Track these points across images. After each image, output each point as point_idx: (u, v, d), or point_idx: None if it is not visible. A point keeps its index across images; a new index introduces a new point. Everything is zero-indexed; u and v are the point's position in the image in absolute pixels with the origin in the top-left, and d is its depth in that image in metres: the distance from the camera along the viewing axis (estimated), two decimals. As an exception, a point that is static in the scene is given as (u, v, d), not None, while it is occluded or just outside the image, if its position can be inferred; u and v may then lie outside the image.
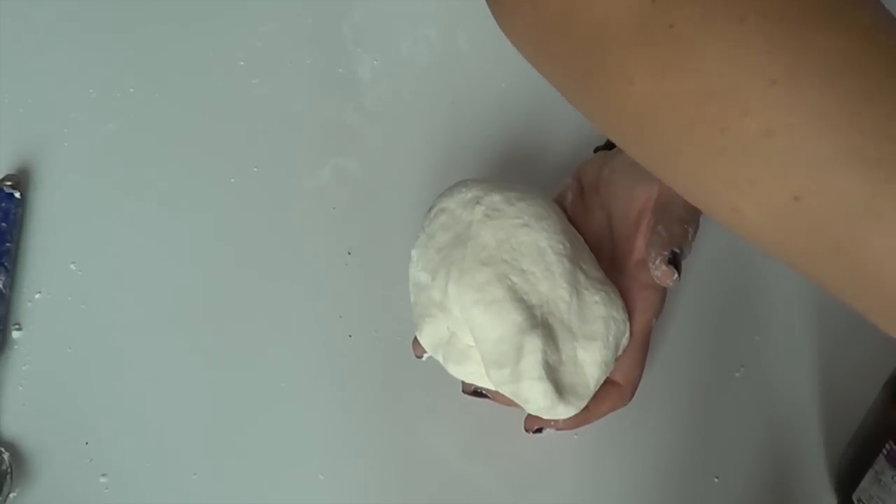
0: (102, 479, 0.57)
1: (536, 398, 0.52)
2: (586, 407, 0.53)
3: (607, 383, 0.55)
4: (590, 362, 0.53)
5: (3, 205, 0.65)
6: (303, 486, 0.57)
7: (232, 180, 0.68)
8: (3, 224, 0.64)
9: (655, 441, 0.59)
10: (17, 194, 0.65)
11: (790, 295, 0.65)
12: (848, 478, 0.56)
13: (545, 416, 0.53)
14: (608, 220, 0.59)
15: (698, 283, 0.65)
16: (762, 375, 0.62)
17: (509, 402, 0.54)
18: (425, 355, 0.56)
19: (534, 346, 0.52)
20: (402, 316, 0.63)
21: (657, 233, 0.55)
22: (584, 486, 0.58)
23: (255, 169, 0.68)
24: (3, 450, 0.57)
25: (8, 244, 0.63)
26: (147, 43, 0.73)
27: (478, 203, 0.55)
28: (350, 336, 0.62)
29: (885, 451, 0.51)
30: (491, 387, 0.54)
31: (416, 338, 0.56)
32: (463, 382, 0.56)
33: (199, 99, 0.71)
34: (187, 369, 0.61)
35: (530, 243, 0.54)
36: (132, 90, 0.71)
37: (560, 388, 0.52)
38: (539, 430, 0.55)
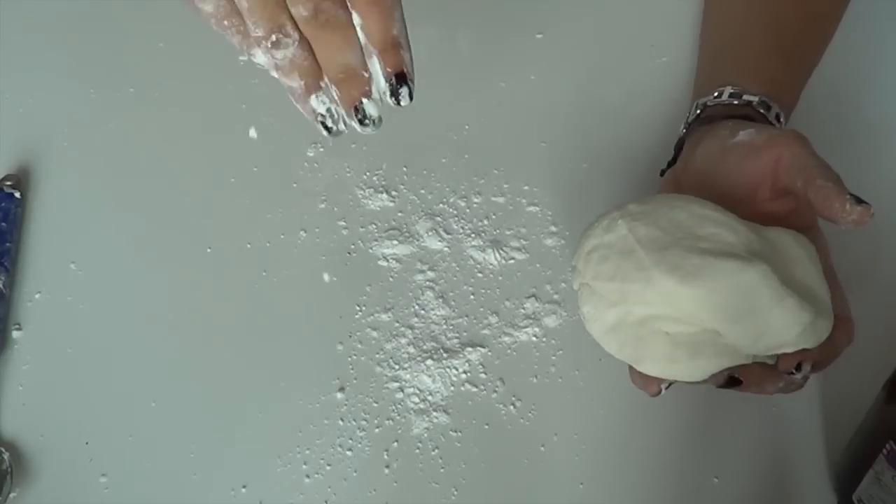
0: (102, 479, 0.57)
1: (795, 317, 0.49)
2: (831, 339, 0.51)
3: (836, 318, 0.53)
4: (811, 279, 0.52)
5: (3, 205, 0.65)
6: (303, 486, 0.57)
7: (232, 180, 0.68)
8: (3, 224, 0.64)
9: (655, 441, 0.59)
10: (17, 194, 0.65)
11: (790, 295, 0.65)
12: (848, 478, 0.56)
13: (807, 339, 0.50)
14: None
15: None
16: (762, 375, 0.62)
17: (761, 378, 0.52)
18: (663, 385, 0.53)
19: (760, 274, 0.49)
20: (402, 317, 0.63)
21: (823, 186, 0.54)
22: (585, 485, 0.58)
23: (255, 169, 0.68)
24: (3, 450, 0.57)
25: (8, 244, 0.63)
26: (147, 43, 0.73)
27: (617, 220, 0.53)
28: (350, 336, 0.62)
29: (885, 451, 0.51)
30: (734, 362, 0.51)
31: (638, 373, 0.52)
32: (714, 376, 0.52)
33: (199, 99, 0.71)
34: (187, 369, 0.61)
35: (688, 216, 0.52)
36: (132, 90, 0.71)
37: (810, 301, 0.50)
38: (798, 368, 0.52)
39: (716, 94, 0.63)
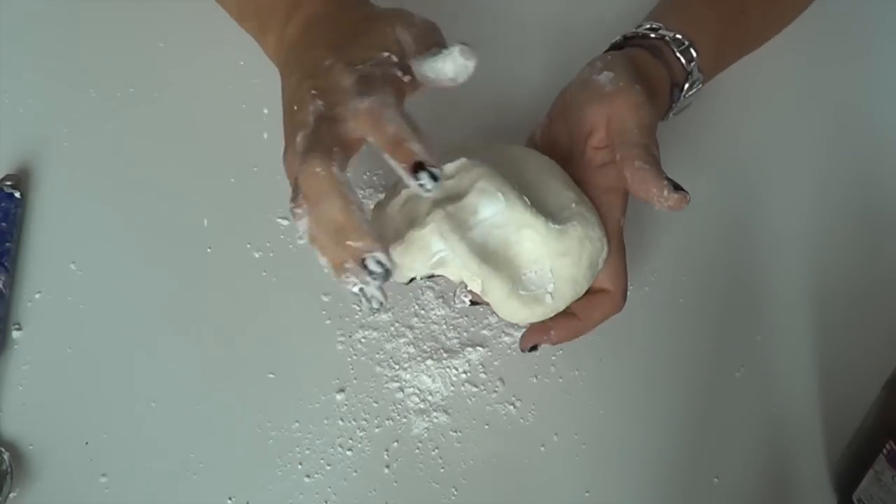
0: (102, 479, 0.57)
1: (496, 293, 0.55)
2: (576, 316, 0.57)
3: (597, 291, 0.58)
4: (561, 277, 0.55)
5: (3, 205, 0.65)
6: (303, 486, 0.57)
7: (232, 180, 0.68)
8: (3, 224, 0.64)
9: (655, 441, 0.59)
10: (17, 194, 0.65)
11: (790, 295, 0.65)
12: (848, 478, 0.56)
13: (508, 317, 0.56)
14: (570, 142, 0.61)
15: (698, 283, 0.65)
16: (762, 375, 0.62)
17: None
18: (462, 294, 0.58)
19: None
20: (402, 317, 0.63)
21: (640, 169, 0.56)
22: (585, 486, 0.58)
23: (255, 169, 0.68)
24: (3, 450, 0.57)
25: (8, 244, 0.63)
26: (147, 43, 0.73)
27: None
28: (350, 336, 0.62)
29: (885, 451, 0.51)
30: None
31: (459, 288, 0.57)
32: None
33: (199, 99, 0.71)
34: (187, 369, 0.61)
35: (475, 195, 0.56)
36: (132, 90, 0.71)
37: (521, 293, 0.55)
38: (534, 348, 0.59)
39: (638, 26, 0.65)
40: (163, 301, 0.63)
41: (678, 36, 0.63)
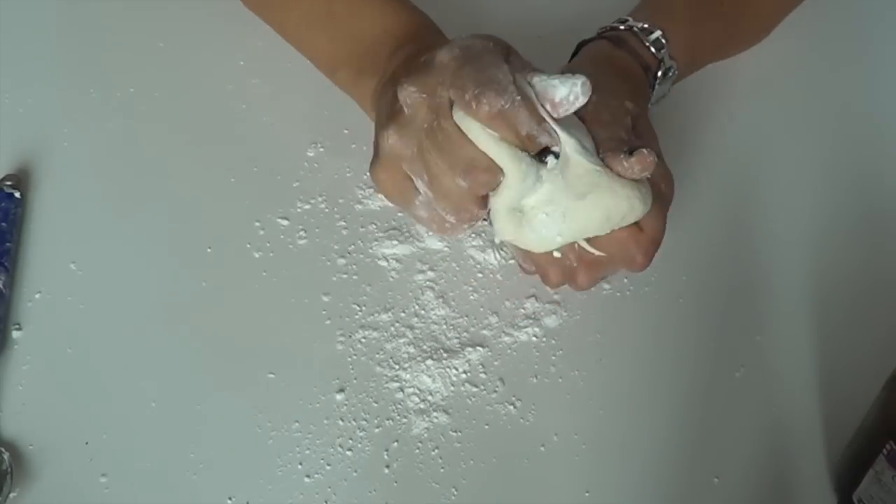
0: (102, 479, 0.57)
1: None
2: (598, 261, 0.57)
3: (631, 227, 0.56)
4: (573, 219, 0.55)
5: (3, 205, 0.65)
6: (303, 486, 0.57)
7: (232, 180, 0.68)
8: (3, 224, 0.64)
9: (655, 441, 0.59)
10: (17, 194, 0.65)
11: (790, 295, 0.65)
12: (848, 478, 0.56)
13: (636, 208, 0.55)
14: None
15: (698, 283, 0.65)
16: (762, 375, 0.62)
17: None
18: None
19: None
20: (402, 317, 0.63)
21: (595, 134, 0.56)
22: (585, 486, 0.58)
23: (255, 169, 0.68)
24: (3, 450, 0.57)
25: (8, 244, 0.63)
26: (147, 43, 0.73)
27: None
28: (350, 336, 0.62)
29: (885, 451, 0.51)
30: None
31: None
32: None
33: (199, 99, 0.71)
34: (187, 369, 0.61)
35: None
36: (132, 90, 0.71)
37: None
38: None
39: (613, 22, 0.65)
40: (163, 301, 0.63)
41: (645, 25, 0.64)
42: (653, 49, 0.64)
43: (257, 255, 0.65)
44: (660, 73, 0.65)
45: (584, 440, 0.59)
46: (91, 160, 0.69)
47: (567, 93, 0.54)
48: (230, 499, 0.57)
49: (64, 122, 0.70)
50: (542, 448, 0.59)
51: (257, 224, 0.66)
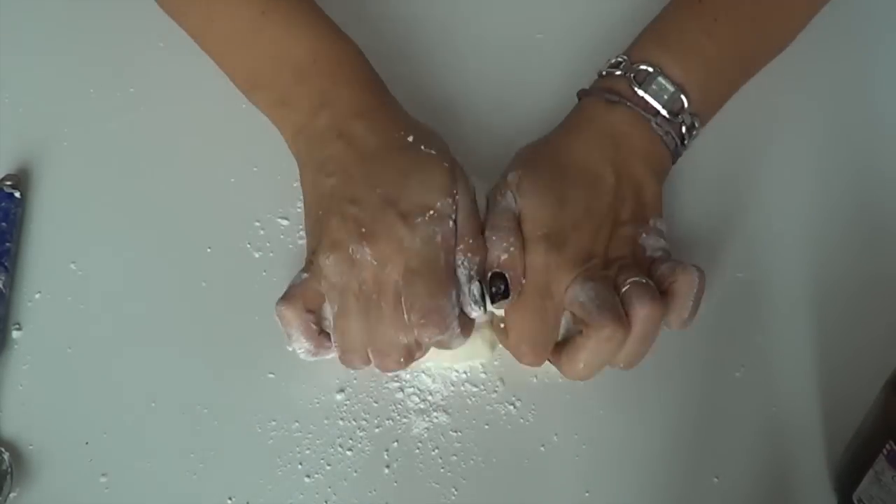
0: (102, 479, 0.57)
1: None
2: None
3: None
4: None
5: (3, 205, 0.65)
6: (303, 486, 0.57)
7: (232, 180, 0.68)
8: (3, 224, 0.64)
9: (655, 441, 0.59)
10: (17, 194, 0.65)
11: (791, 295, 0.65)
12: (848, 478, 0.56)
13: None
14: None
15: (698, 283, 0.65)
16: (762, 375, 0.62)
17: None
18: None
19: None
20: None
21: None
22: (585, 486, 0.58)
23: (255, 169, 0.68)
24: (3, 450, 0.57)
25: (8, 244, 0.63)
26: (147, 43, 0.73)
27: None
28: (350, 336, 0.62)
29: (885, 451, 0.51)
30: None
31: None
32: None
33: (200, 99, 0.71)
34: (187, 369, 0.61)
35: None
36: (132, 90, 0.71)
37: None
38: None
39: (617, 63, 0.64)
40: (163, 301, 0.63)
41: (663, 82, 0.62)
42: (668, 115, 0.61)
43: (257, 255, 0.65)
44: (684, 139, 0.63)
45: (584, 440, 0.59)
46: (91, 160, 0.69)
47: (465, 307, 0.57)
48: (230, 499, 0.57)
49: (64, 122, 0.70)
50: (542, 448, 0.59)
51: (257, 224, 0.66)
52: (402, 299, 0.55)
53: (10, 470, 0.56)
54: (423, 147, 0.59)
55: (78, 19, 0.74)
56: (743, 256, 0.66)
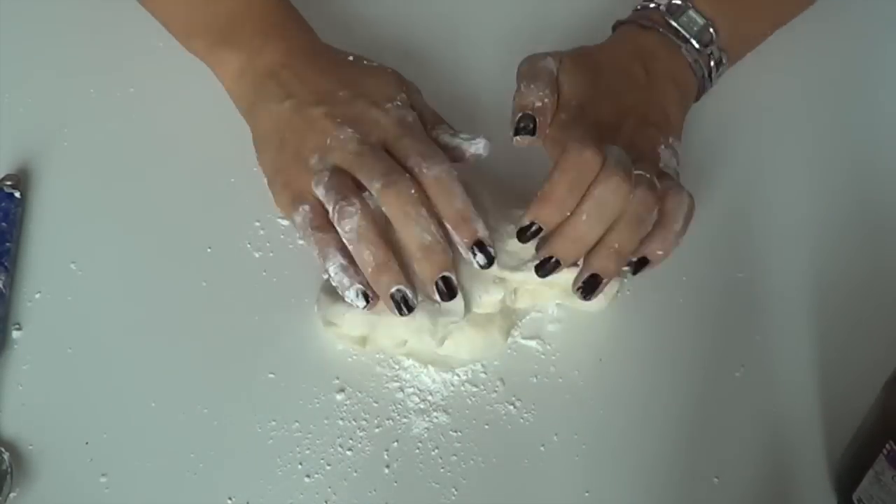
0: (102, 479, 0.57)
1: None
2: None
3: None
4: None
5: (3, 205, 0.65)
6: (303, 486, 0.57)
7: (232, 180, 0.68)
8: (3, 224, 0.64)
9: (655, 441, 0.59)
10: (17, 194, 0.65)
11: (790, 295, 0.65)
12: (848, 478, 0.56)
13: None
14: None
15: (698, 283, 0.65)
16: (762, 375, 0.62)
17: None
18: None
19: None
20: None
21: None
22: (585, 486, 0.58)
23: (256, 169, 0.68)
24: (3, 450, 0.57)
25: (8, 244, 0.63)
26: (147, 43, 0.73)
27: None
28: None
29: (885, 451, 0.51)
30: None
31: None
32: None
33: (200, 99, 0.71)
34: (187, 369, 0.61)
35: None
36: (132, 90, 0.71)
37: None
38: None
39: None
40: (163, 301, 0.63)
41: (694, 16, 0.65)
42: (698, 45, 0.65)
43: (257, 255, 0.65)
44: (712, 72, 0.66)
45: (584, 440, 0.59)
46: (91, 160, 0.69)
47: (474, 150, 0.60)
48: (230, 499, 0.57)
49: (64, 122, 0.70)
50: (542, 448, 0.59)
51: (257, 224, 0.66)
52: (393, 153, 0.58)
53: (10, 470, 0.56)
54: (364, 62, 0.64)
55: (78, 19, 0.74)
56: (743, 256, 0.66)
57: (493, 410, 0.60)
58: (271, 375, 0.61)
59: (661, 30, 0.65)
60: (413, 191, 0.56)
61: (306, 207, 0.59)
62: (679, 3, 0.65)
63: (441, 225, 0.57)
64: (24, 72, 0.72)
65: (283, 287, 0.64)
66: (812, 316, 0.64)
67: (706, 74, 0.66)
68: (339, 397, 0.60)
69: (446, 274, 0.56)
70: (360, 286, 0.57)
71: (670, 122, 0.63)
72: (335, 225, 0.57)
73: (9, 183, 0.66)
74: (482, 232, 0.56)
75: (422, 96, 0.63)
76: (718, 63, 0.66)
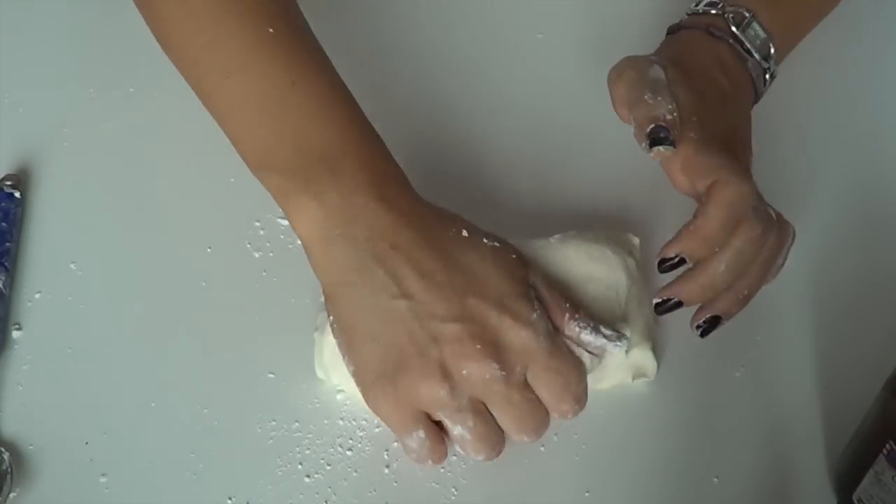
0: (102, 479, 0.57)
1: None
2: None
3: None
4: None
5: (3, 205, 0.65)
6: (303, 486, 0.57)
7: (232, 180, 0.68)
8: (3, 224, 0.64)
9: (655, 441, 0.59)
10: (17, 194, 0.65)
11: (790, 295, 0.65)
12: (848, 478, 0.56)
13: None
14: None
15: (698, 283, 0.65)
16: (762, 375, 0.62)
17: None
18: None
19: None
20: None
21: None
22: (585, 485, 0.58)
23: (255, 169, 0.68)
24: (3, 450, 0.57)
25: (8, 244, 0.63)
26: (147, 43, 0.73)
27: None
28: (350, 336, 0.62)
29: (885, 451, 0.51)
30: None
31: None
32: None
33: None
34: (187, 369, 0.61)
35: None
36: (132, 90, 0.71)
37: None
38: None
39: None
40: (163, 301, 0.63)
41: (761, 33, 0.63)
42: (759, 58, 0.63)
43: (257, 255, 0.65)
44: (766, 83, 0.64)
45: (584, 440, 0.59)
46: (91, 160, 0.69)
47: (616, 351, 0.57)
48: (230, 499, 0.57)
49: (64, 122, 0.70)
50: (542, 448, 0.59)
51: (257, 224, 0.66)
52: (540, 394, 0.54)
53: (10, 470, 0.56)
54: (484, 240, 0.55)
55: (78, 19, 0.74)
56: (743, 256, 0.66)
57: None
58: (271, 375, 0.61)
59: (730, 41, 0.62)
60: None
61: (421, 435, 0.54)
62: (744, 12, 0.62)
63: None
64: (24, 72, 0.72)
65: (283, 287, 0.64)
66: (812, 316, 0.64)
67: (761, 93, 0.64)
68: (339, 397, 0.60)
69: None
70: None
71: (750, 137, 0.62)
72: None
73: (9, 183, 0.66)
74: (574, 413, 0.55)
75: (543, 275, 0.56)
76: (772, 78, 0.64)
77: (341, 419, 0.59)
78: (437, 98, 0.72)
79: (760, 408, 0.61)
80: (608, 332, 0.56)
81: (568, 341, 0.55)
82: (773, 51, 0.63)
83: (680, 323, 0.63)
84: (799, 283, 0.65)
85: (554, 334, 0.54)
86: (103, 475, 0.57)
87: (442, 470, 0.58)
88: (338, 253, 0.53)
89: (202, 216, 0.66)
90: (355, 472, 0.58)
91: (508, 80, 0.73)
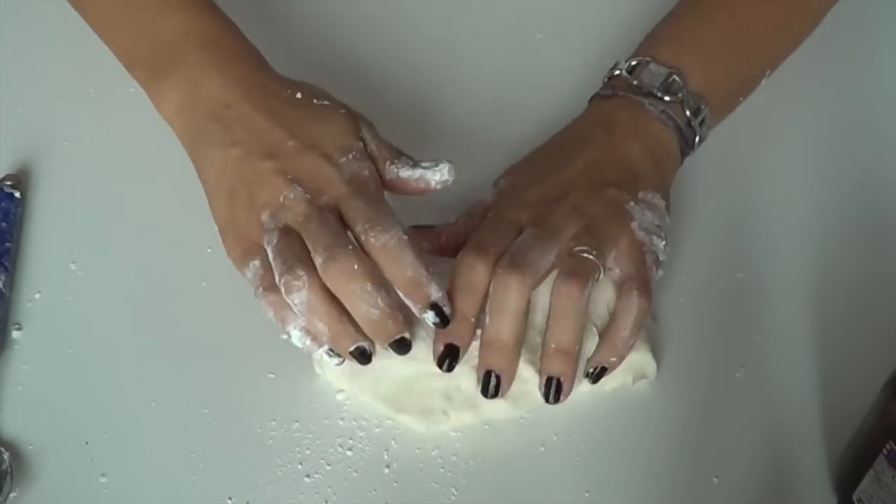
0: (102, 479, 0.57)
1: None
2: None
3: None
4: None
5: (3, 205, 0.65)
6: (303, 486, 0.57)
7: (232, 180, 0.68)
8: (3, 224, 0.64)
9: (655, 441, 0.59)
10: (17, 194, 0.66)
11: (790, 295, 0.65)
12: (848, 478, 0.56)
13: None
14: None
15: (698, 283, 0.65)
16: (762, 375, 0.62)
17: None
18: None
19: None
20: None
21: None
22: (585, 486, 0.58)
23: (255, 169, 0.68)
24: (3, 450, 0.57)
25: (8, 244, 0.63)
26: (147, 43, 0.73)
27: None
28: (350, 336, 0.62)
29: (885, 451, 0.51)
30: None
31: None
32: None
33: (199, 99, 0.71)
34: (187, 369, 0.61)
35: None
36: (132, 90, 0.71)
37: None
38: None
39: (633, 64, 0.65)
40: (163, 301, 0.63)
41: (660, 71, 0.64)
42: (665, 96, 0.63)
43: (257, 255, 0.65)
44: (691, 120, 0.64)
45: (584, 440, 0.59)
46: (91, 160, 0.69)
47: (440, 177, 0.59)
48: (230, 499, 0.57)
49: (64, 122, 0.70)
50: (542, 448, 0.59)
51: (257, 224, 0.66)
52: (344, 215, 0.56)
53: (10, 470, 0.56)
54: (314, 101, 0.61)
55: (78, 20, 0.74)
56: (743, 256, 0.66)
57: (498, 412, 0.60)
58: (271, 375, 0.61)
59: (621, 93, 0.64)
60: (356, 265, 0.54)
61: (256, 263, 0.57)
62: (636, 62, 0.65)
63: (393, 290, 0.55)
64: (23, 72, 0.72)
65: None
66: (812, 316, 0.64)
67: (686, 123, 0.64)
68: (339, 397, 0.60)
69: (398, 338, 0.56)
70: (327, 346, 0.56)
71: (638, 177, 0.61)
72: (284, 297, 0.55)
73: (9, 183, 0.66)
74: (435, 295, 0.55)
75: (376, 130, 0.61)
76: (696, 110, 0.64)
77: (341, 419, 0.59)
78: (436, 98, 0.72)
79: (760, 408, 0.61)
80: (426, 164, 0.59)
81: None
82: (682, 82, 0.64)
83: (680, 324, 0.63)
84: (799, 283, 0.65)
85: (370, 179, 0.58)
86: (103, 475, 0.57)
87: (442, 470, 0.58)
88: (189, 122, 0.61)
89: (202, 216, 0.66)
90: (355, 472, 0.58)
91: (508, 80, 0.73)
